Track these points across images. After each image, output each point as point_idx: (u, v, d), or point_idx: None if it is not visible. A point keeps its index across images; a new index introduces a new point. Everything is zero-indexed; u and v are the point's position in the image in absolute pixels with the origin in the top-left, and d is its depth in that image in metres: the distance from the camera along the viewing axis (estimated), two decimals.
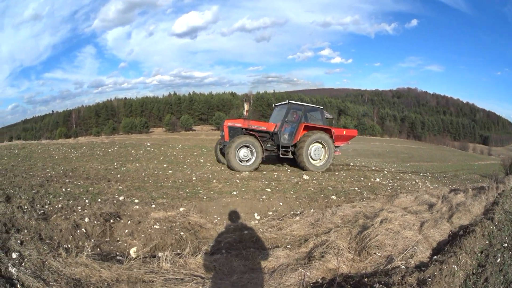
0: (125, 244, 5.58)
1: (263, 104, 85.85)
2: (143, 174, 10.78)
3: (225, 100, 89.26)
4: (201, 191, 8.42)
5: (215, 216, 6.93)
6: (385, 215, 6.32)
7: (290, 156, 12.92)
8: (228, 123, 12.56)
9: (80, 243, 5.45)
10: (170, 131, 70.83)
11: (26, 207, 6.60)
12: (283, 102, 13.71)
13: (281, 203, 7.52)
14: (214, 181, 9.65)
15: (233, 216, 7.03)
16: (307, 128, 12.85)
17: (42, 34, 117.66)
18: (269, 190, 8.50)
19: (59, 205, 6.88)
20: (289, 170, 12.25)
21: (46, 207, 6.87)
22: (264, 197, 7.80)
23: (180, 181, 9.77)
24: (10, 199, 7.24)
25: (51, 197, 7.45)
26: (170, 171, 11.26)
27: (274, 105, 14.67)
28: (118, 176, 10.39)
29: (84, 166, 11.82)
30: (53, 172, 10.56)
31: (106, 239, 5.73)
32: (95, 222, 6.02)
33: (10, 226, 5.77)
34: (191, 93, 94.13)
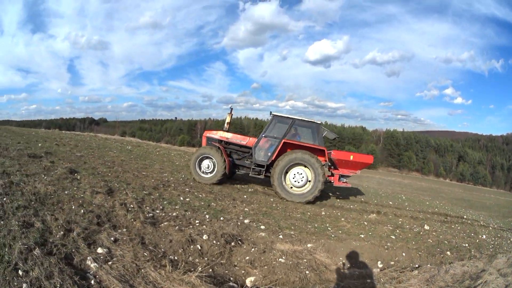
0: (243, 272, 5.04)
1: (391, 143, 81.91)
2: (272, 199, 9.98)
3: (356, 134, 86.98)
4: (330, 229, 7.84)
5: (341, 258, 6.23)
6: (485, 277, 5.91)
7: (262, 177, 10.84)
8: (207, 133, 11.52)
9: (191, 259, 5.00)
10: None
11: (132, 206, 6.36)
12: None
13: (403, 254, 6.96)
14: (343, 219, 8.93)
15: (358, 261, 6.40)
16: (291, 146, 10.50)
17: (164, 43, 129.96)
18: (393, 237, 7.93)
19: (174, 214, 6.56)
20: (412, 218, 10.80)
21: (157, 212, 6.57)
22: (388, 244, 7.30)
23: (309, 213, 9.05)
24: (112, 193, 7.10)
25: (165, 203, 7.21)
26: (299, 202, 10.19)
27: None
28: (245, 196, 9.77)
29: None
30: (172, 178, 10.33)
31: (222, 261, 5.20)
32: (214, 241, 5.56)
33: (105, 220, 5.55)
34: (324, 123, 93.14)
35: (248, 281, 4.68)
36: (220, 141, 11.14)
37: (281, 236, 6.55)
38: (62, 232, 4.71)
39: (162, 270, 4.14)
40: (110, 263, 4.10)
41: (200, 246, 5.33)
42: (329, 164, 10.66)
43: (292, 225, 7.57)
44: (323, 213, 9.44)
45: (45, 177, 7.55)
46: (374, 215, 10.10)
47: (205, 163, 10.60)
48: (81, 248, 4.31)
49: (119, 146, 17.35)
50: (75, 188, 7.05)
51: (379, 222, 9.24)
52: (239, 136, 11.39)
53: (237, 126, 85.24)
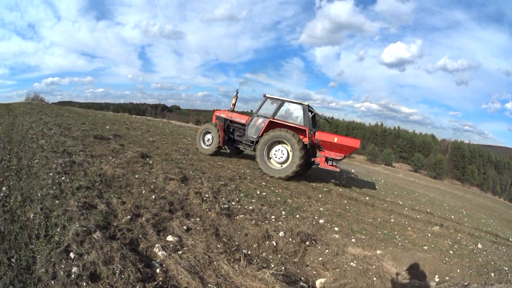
0: (314, 272, 4.84)
1: (458, 155, 78.76)
2: (345, 201, 9.89)
3: (426, 142, 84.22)
4: (397, 237, 7.76)
5: (405, 268, 6.12)
6: None
7: (251, 152, 11.79)
8: (217, 113, 12.90)
9: (264, 255, 4.81)
10: (370, 161, 69.42)
11: (207, 195, 6.29)
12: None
13: (458, 270, 6.75)
14: (409, 228, 8.87)
15: (419, 272, 6.30)
16: (277, 125, 10.86)
17: (240, 35, 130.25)
18: (451, 252, 7.79)
19: (250, 207, 6.47)
20: (469, 234, 10.54)
21: (233, 203, 6.47)
22: (446, 259, 7.15)
23: (379, 219, 8.97)
24: (187, 181, 7.08)
25: (241, 195, 7.17)
26: (370, 207, 10.16)
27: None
28: (320, 196, 9.62)
29: None
30: (248, 170, 10.31)
31: (295, 260, 4.99)
32: (290, 239, 5.37)
33: (177, 207, 5.47)
34: (397, 128, 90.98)
35: (318, 282, 4.54)
36: (225, 120, 12.36)
37: (353, 240, 6.42)
38: (129, 217, 4.63)
39: (235, 264, 3.97)
40: (180, 252, 3.96)
41: (276, 243, 5.16)
42: (318, 145, 10.97)
43: (364, 229, 7.46)
44: (392, 220, 9.38)
45: (113, 159, 7.72)
46: (437, 227, 10.09)
47: (207, 136, 12.19)
48: (149, 234, 4.18)
49: (193, 134, 17.60)
50: (146, 173, 7.14)
51: (441, 235, 9.20)
52: (239, 115, 12.35)
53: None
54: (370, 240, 6.73)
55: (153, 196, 5.65)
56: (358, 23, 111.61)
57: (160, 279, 3.39)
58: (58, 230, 3.90)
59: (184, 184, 6.67)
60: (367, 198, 11.29)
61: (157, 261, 3.67)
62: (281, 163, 10.60)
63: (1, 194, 4.90)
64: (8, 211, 4.37)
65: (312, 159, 11.16)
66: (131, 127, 16.02)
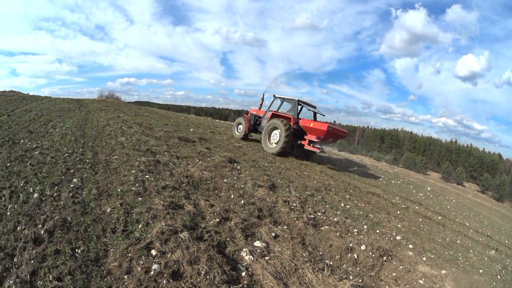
0: (387, 287, 4.84)
1: None
2: (420, 219, 9.99)
3: (494, 161, 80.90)
4: (460, 259, 7.59)
5: None
6: None
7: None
8: (251, 111, 15.98)
9: (345, 266, 4.84)
10: (444, 180, 67.40)
11: (294, 204, 6.36)
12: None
13: None
14: (471, 251, 8.69)
15: None
16: (278, 116, 13.75)
17: (323, 45, 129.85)
18: (499, 277, 7.65)
19: (335, 219, 6.48)
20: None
21: (319, 214, 6.53)
22: (494, 283, 7.03)
23: (448, 239, 8.88)
24: (275, 189, 7.20)
25: (327, 206, 7.23)
26: (441, 226, 10.21)
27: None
28: (398, 212, 9.67)
29: (367, 189, 11.39)
30: (332, 182, 10.34)
31: (371, 274, 4.99)
32: (370, 253, 5.40)
33: (266, 214, 5.53)
34: (469, 145, 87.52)
35: None
36: (254, 116, 15.51)
37: (424, 258, 6.33)
38: (217, 219, 4.72)
39: (319, 273, 3.96)
40: (267, 258, 4.01)
41: (357, 256, 5.20)
42: (303, 130, 13.17)
43: (434, 248, 7.36)
44: (458, 241, 9.22)
45: (200, 162, 7.88)
46: (493, 251, 9.88)
47: (240, 127, 16.15)
48: (237, 238, 4.25)
49: None
50: (235, 178, 7.26)
51: (494, 260, 8.99)
52: (263, 112, 15.37)
53: (394, 137, 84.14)
54: (438, 260, 6.67)
55: (242, 201, 5.75)
56: (432, 33, 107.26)
57: (245, 282, 3.40)
58: (140, 226, 3.96)
59: (273, 192, 6.74)
60: (439, 217, 11.42)
61: (243, 264, 3.70)
62: (276, 143, 13.28)
63: (71, 186, 5.02)
64: (79, 203, 4.46)
65: (299, 142, 13.35)
66: (215, 131, 16.41)
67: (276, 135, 13.32)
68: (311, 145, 12.83)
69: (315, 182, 9.14)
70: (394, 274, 5.19)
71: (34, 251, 3.29)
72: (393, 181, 16.35)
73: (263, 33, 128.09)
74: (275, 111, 13.75)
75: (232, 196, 5.93)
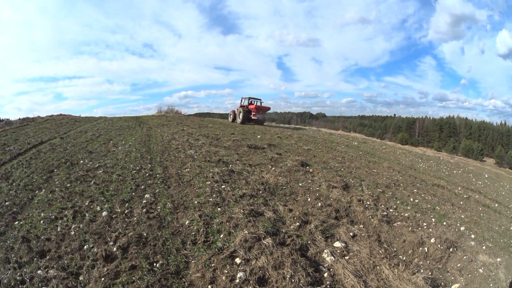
0: (452, 278, 4.93)
1: None
2: (480, 208, 9.82)
3: None
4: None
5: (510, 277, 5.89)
6: None
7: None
8: (236, 108, 26.72)
9: (416, 260, 4.92)
10: (498, 165, 64.70)
11: (368, 203, 6.47)
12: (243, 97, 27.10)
13: None
14: None
15: None
16: (241, 106, 25.97)
17: (374, 38, 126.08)
18: None
19: (406, 214, 6.57)
20: None
21: (391, 211, 6.62)
22: None
23: (503, 227, 8.74)
24: (348, 188, 7.30)
25: (398, 202, 7.29)
26: (498, 214, 10.01)
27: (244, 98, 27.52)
28: (461, 203, 9.66)
29: (432, 181, 11.41)
30: (400, 177, 10.46)
31: (439, 266, 5.09)
32: (438, 245, 5.44)
33: (343, 214, 5.66)
34: None
35: (453, 287, 4.64)
36: (236, 109, 26.46)
37: (483, 247, 6.35)
38: (297, 223, 4.88)
39: (395, 268, 4.06)
40: (347, 257, 4.12)
41: (427, 249, 5.23)
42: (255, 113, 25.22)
43: (491, 237, 7.36)
44: (511, 228, 8.99)
45: (273, 168, 8.05)
46: None
47: (230, 116, 26.61)
48: (318, 240, 4.39)
49: (345, 142, 17.97)
50: (309, 181, 7.42)
51: None
52: (250, 106, 25.84)
53: (451, 125, 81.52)
54: (494, 248, 6.68)
55: (319, 204, 5.90)
56: (469, 12, 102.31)
57: (328, 282, 3.57)
58: (222, 236, 4.13)
59: (347, 192, 6.85)
60: (496, 205, 11.23)
61: (324, 265, 3.87)
62: (240, 118, 24.74)
63: (144, 201, 5.21)
64: (154, 218, 4.66)
65: (251, 116, 24.84)
66: (282, 136, 16.20)
67: (241, 114, 24.62)
68: (254, 117, 24.82)
69: (384, 178, 9.23)
70: (458, 264, 5.30)
71: (105, 269, 3.42)
72: (454, 171, 16.28)
73: (315, 32, 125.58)
74: (241, 105, 25.75)
75: (308, 199, 6.08)
